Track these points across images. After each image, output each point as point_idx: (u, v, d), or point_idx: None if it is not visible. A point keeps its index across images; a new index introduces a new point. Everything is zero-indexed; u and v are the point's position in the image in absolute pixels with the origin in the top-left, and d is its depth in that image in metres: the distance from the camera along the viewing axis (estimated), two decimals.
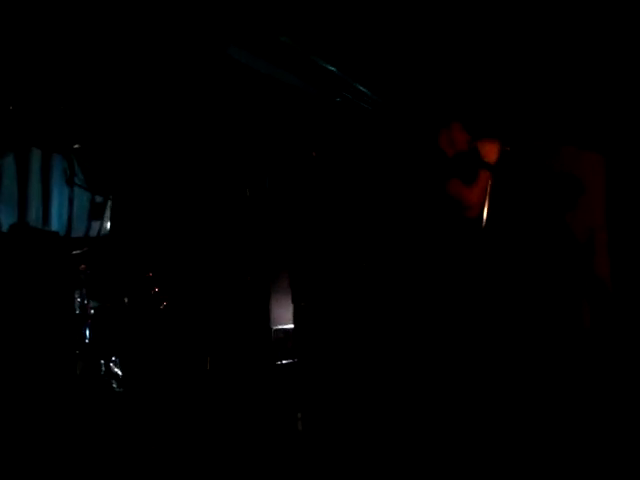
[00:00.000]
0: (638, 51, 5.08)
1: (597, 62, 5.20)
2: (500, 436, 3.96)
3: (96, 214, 5.55)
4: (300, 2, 4.72)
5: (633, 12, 4.77)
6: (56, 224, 5.19)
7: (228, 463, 3.72)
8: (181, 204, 5.61)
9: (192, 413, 4.57)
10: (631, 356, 5.01)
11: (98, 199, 5.49)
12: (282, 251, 6.13)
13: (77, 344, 4.49)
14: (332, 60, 5.27)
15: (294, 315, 5.63)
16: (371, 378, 5.21)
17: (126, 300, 4.96)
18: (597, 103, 5.41)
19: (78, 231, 5.39)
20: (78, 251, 4.80)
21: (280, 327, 6.01)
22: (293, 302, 5.73)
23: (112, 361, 4.86)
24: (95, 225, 5.58)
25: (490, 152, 5.04)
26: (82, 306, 4.65)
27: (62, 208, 5.28)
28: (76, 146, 5.41)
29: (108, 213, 5.60)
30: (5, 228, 4.65)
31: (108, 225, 5.64)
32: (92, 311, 4.71)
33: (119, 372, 4.84)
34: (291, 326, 6.03)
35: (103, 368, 4.80)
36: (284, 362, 5.86)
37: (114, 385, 4.80)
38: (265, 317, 5.90)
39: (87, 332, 4.63)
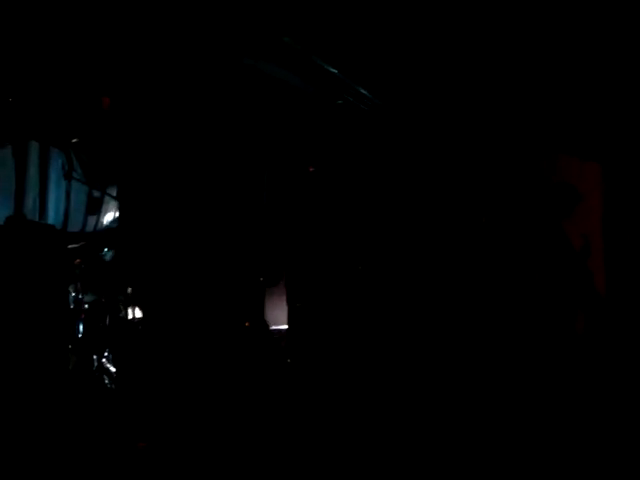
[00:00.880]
0: (634, 63, 5.09)
1: (595, 74, 5.22)
2: (492, 438, 3.96)
3: (93, 209, 5.52)
4: (303, 3, 4.73)
5: (628, 22, 4.78)
6: (52, 217, 5.16)
7: (221, 461, 3.71)
8: (180, 204, 5.62)
9: (184, 411, 4.55)
10: (624, 361, 5.02)
11: (95, 194, 5.46)
12: (277, 253, 6.12)
13: (70, 339, 4.47)
14: (334, 62, 5.28)
15: (289, 316, 5.62)
16: (365, 379, 5.20)
17: (122, 296, 4.96)
18: (594, 113, 5.42)
19: (74, 225, 5.36)
20: (74, 245, 4.79)
21: (275, 328, 6.01)
22: (288, 303, 5.72)
23: (105, 357, 4.84)
24: (91, 220, 5.56)
25: None
26: (76, 300, 4.63)
27: (59, 202, 5.25)
28: (74, 140, 5.39)
29: (105, 208, 5.58)
30: (1, 220, 4.62)
31: (104, 220, 5.62)
32: (86, 306, 4.70)
33: (111, 368, 4.82)
34: (285, 327, 6.02)
35: (95, 363, 4.78)
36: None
37: (106, 381, 4.78)
38: (260, 317, 5.89)
39: (80, 327, 4.62)
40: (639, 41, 4.90)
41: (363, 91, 5.64)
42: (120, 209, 5.22)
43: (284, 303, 5.99)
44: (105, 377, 4.77)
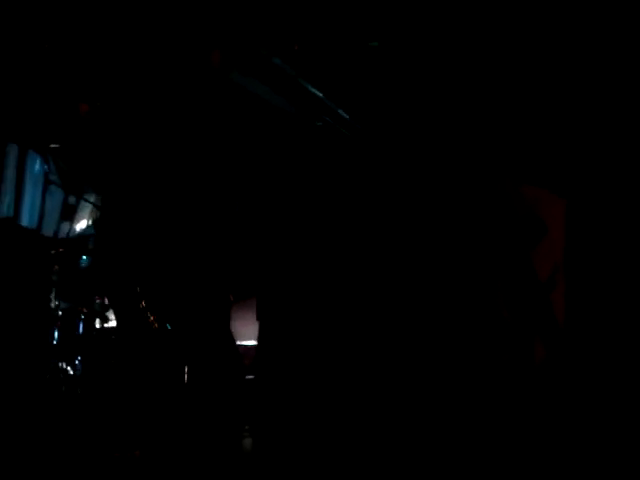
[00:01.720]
0: (599, 98, 5.29)
1: (558, 109, 5.43)
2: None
3: (67, 215, 5.49)
4: (293, 25, 4.83)
5: (595, 55, 5.00)
6: (27, 220, 5.12)
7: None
8: (157, 213, 5.63)
9: (148, 420, 4.54)
10: (582, 394, 5.16)
11: (71, 200, 5.44)
12: (246, 267, 6.15)
13: (45, 345, 4.42)
14: (319, 85, 5.39)
15: (260, 331, 5.63)
16: (336, 396, 5.26)
17: (98, 302, 4.93)
18: (560, 148, 5.62)
19: (48, 230, 5.32)
20: (53, 251, 4.75)
21: (238, 343, 6.01)
22: (258, 319, 5.73)
23: (73, 364, 4.79)
24: (64, 226, 5.53)
25: None
26: (52, 307, 4.58)
27: (34, 205, 5.22)
28: (53, 145, 5.36)
29: (79, 215, 5.55)
30: None
31: (77, 227, 5.59)
32: (60, 313, 4.66)
33: (77, 374, 4.77)
34: (249, 342, 6.03)
35: (63, 370, 4.73)
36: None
37: (66, 388, 4.72)
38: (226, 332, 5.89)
39: (55, 334, 4.58)
40: (603, 80, 5.13)
41: (344, 114, 5.77)
42: (101, 217, 5.21)
43: (250, 317, 5.99)
44: (70, 385, 4.72)
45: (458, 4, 4.97)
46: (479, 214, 5.85)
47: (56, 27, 4.90)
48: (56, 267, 4.72)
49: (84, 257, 5.20)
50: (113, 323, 5.52)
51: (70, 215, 5.51)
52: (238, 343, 5.97)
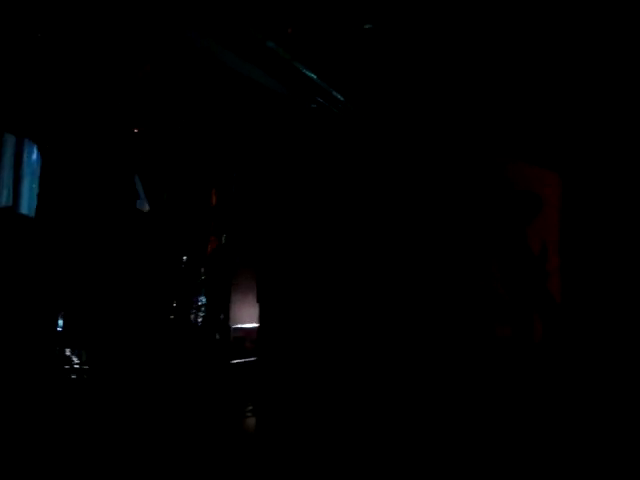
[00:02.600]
0: (595, 73, 5.30)
1: (557, 89, 5.44)
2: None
3: None
4: (288, 9, 4.84)
5: (590, 34, 5.01)
6: (25, 208, 5.16)
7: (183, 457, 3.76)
8: (153, 198, 5.67)
9: (149, 407, 4.60)
10: (580, 368, 5.21)
11: None
12: (245, 250, 6.18)
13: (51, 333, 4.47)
14: (312, 67, 5.40)
15: (260, 314, 5.69)
16: (336, 377, 5.33)
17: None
18: (555, 124, 5.64)
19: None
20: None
21: (239, 326, 6.05)
22: (258, 301, 5.79)
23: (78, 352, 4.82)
24: None
25: None
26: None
27: (32, 194, 5.25)
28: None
29: None
30: None
31: None
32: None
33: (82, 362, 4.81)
34: (250, 325, 6.07)
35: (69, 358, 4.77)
36: (241, 361, 5.91)
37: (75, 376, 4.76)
38: (225, 315, 5.93)
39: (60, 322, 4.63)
40: (600, 59, 5.14)
41: (337, 95, 5.79)
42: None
43: (249, 300, 6.04)
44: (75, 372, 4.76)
45: None
46: (475, 191, 5.89)
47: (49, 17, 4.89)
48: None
49: None
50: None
51: None
52: (239, 326, 6.02)
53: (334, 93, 5.83)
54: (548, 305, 5.65)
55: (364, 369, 5.54)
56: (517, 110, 5.69)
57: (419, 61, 5.41)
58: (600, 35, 4.80)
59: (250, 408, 4.95)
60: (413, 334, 5.72)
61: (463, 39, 5.14)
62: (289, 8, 4.85)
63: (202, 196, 6.18)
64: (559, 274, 5.88)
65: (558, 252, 5.93)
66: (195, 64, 5.24)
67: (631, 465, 3.58)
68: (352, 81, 5.77)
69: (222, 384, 5.40)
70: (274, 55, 5.15)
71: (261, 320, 5.68)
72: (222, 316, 5.86)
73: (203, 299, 5.55)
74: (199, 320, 5.52)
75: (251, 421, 4.70)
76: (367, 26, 4.71)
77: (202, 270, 5.67)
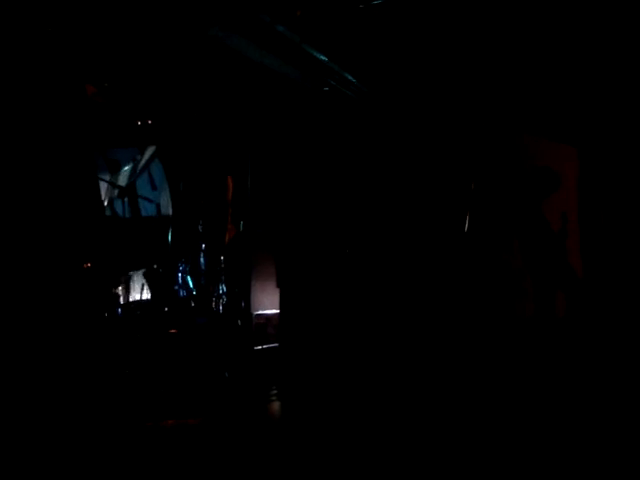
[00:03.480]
0: (612, 48, 5.22)
1: (575, 65, 5.37)
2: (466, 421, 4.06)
3: None
4: None
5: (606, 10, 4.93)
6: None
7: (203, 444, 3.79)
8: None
9: (179, 390, 4.65)
10: (604, 343, 5.16)
11: None
12: (264, 237, 6.20)
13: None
14: (323, 49, 5.37)
15: (281, 300, 5.70)
16: (357, 362, 5.35)
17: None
18: (574, 100, 5.56)
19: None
20: None
21: (261, 312, 6.07)
22: (279, 286, 5.81)
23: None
24: None
25: None
26: None
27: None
28: None
29: None
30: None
31: None
32: None
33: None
34: (271, 311, 6.09)
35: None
36: (264, 347, 5.94)
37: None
38: (246, 302, 5.96)
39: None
40: (617, 30, 5.06)
41: (349, 77, 5.75)
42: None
43: (270, 286, 6.06)
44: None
45: None
46: (494, 167, 5.85)
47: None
48: None
49: None
50: (137, 296, 5.65)
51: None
52: (260, 312, 6.05)
53: (346, 75, 5.81)
54: (571, 281, 5.61)
55: (386, 350, 5.55)
56: (536, 85, 5.63)
57: (432, 36, 5.34)
58: (624, 9, 4.71)
59: (274, 392, 4.99)
60: (434, 313, 5.71)
61: (479, 12, 5.08)
62: None
63: (218, 184, 6.22)
64: (579, 249, 5.83)
65: (578, 227, 5.88)
66: (207, 53, 5.24)
67: None
68: (364, 62, 5.73)
69: (246, 370, 5.44)
70: (284, 39, 5.13)
71: (282, 305, 5.69)
72: (243, 303, 5.89)
73: (224, 287, 5.59)
74: (221, 308, 5.56)
75: (276, 404, 4.74)
76: (376, 1, 4.66)
77: (221, 259, 5.71)
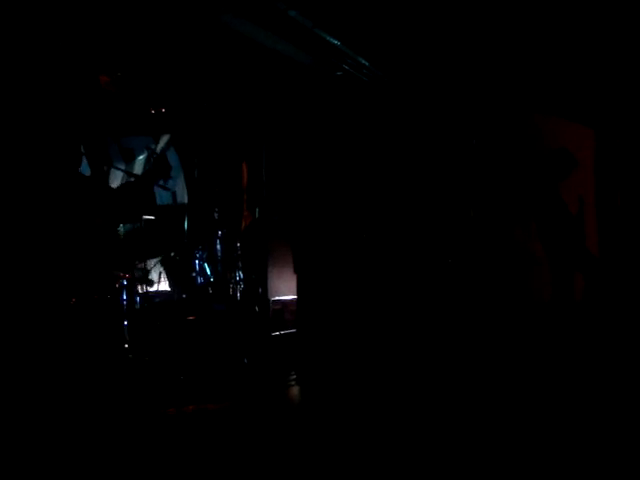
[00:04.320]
0: (626, 27, 5.14)
1: (590, 45, 5.30)
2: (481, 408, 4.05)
3: None
4: None
5: None
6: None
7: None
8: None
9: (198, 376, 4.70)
10: (622, 327, 5.12)
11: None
12: (280, 223, 6.21)
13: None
14: (335, 33, 5.35)
15: (298, 286, 5.72)
16: (375, 345, 5.36)
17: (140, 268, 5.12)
18: (589, 80, 5.50)
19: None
20: None
21: (278, 298, 6.10)
22: (296, 272, 5.82)
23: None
24: None
25: None
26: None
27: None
28: None
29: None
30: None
31: None
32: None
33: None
34: (288, 297, 6.11)
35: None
36: (282, 333, 5.96)
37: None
38: (263, 289, 5.98)
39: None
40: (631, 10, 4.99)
41: (363, 61, 5.72)
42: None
43: (286, 273, 6.07)
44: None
45: None
46: (509, 148, 5.81)
47: None
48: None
49: (121, 225, 5.35)
50: (155, 287, 5.70)
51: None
52: (277, 298, 6.07)
53: (359, 59, 5.78)
54: (589, 263, 5.56)
55: (403, 334, 5.55)
56: (553, 65, 5.57)
57: (446, 16, 5.29)
58: None
59: (293, 377, 5.03)
60: (451, 298, 5.70)
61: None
62: None
63: (233, 171, 6.23)
64: (596, 227, 5.79)
65: (595, 210, 5.84)
66: (219, 40, 5.23)
67: None
68: (377, 45, 5.70)
69: (265, 355, 5.48)
70: (296, 24, 5.11)
71: (299, 291, 5.71)
72: (260, 290, 5.92)
73: (241, 274, 5.62)
74: (238, 295, 5.59)
75: (295, 389, 4.78)
76: None
77: (238, 245, 5.73)
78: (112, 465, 3.08)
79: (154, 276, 5.74)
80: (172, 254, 5.74)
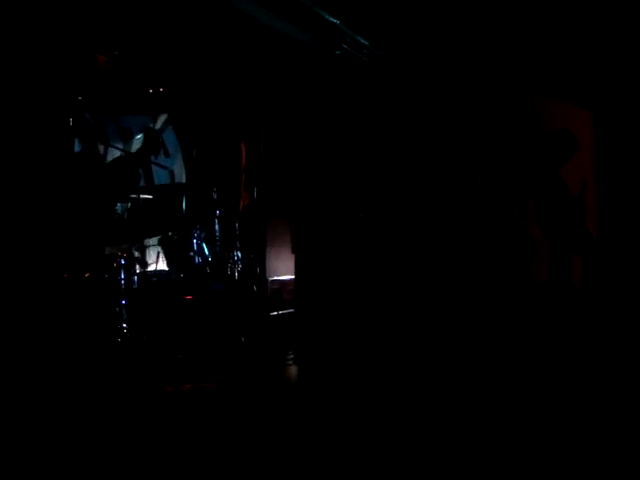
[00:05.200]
0: (624, 10, 5.11)
1: (589, 26, 5.26)
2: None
3: None
4: None
5: None
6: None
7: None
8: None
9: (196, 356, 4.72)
10: (620, 310, 5.12)
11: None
12: (278, 203, 6.20)
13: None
14: (334, 11, 5.30)
15: (296, 265, 5.73)
16: (372, 326, 5.38)
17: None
18: (586, 60, 5.47)
19: None
20: None
21: (276, 278, 6.10)
22: (294, 252, 5.83)
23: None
24: None
25: None
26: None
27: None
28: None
29: None
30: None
31: None
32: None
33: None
34: (286, 277, 6.12)
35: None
36: (279, 313, 5.98)
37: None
38: (261, 269, 5.99)
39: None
40: None
41: (362, 40, 5.67)
42: None
43: (284, 253, 6.08)
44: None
45: None
46: (507, 130, 5.79)
47: None
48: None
49: (119, 204, 5.34)
50: (152, 267, 5.71)
51: None
52: (275, 278, 6.08)
53: (358, 38, 5.73)
54: (588, 244, 5.54)
55: (400, 316, 5.57)
56: (551, 46, 5.52)
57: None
58: None
59: (290, 357, 5.05)
60: (449, 280, 5.71)
61: None
62: None
63: (231, 151, 6.21)
64: (595, 210, 5.78)
65: (594, 190, 5.83)
66: (217, 18, 5.19)
67: None
68: (376, 24, 5.65)
69: (262, 335, 5.50)
70: (295, 2, 5.07)
71: (297, 271, 5.72)
72: (258, 269, 5.93)
73: (239, 254, 5.62)
74: (236, 274, 5.60)
75: (292, 369, 4.80)
76: None
77: (236, 225, 5.73)
78: (109, 444, 3.11)
79: (152, 255, 5.74)
80: (170, 234, 5.74)
